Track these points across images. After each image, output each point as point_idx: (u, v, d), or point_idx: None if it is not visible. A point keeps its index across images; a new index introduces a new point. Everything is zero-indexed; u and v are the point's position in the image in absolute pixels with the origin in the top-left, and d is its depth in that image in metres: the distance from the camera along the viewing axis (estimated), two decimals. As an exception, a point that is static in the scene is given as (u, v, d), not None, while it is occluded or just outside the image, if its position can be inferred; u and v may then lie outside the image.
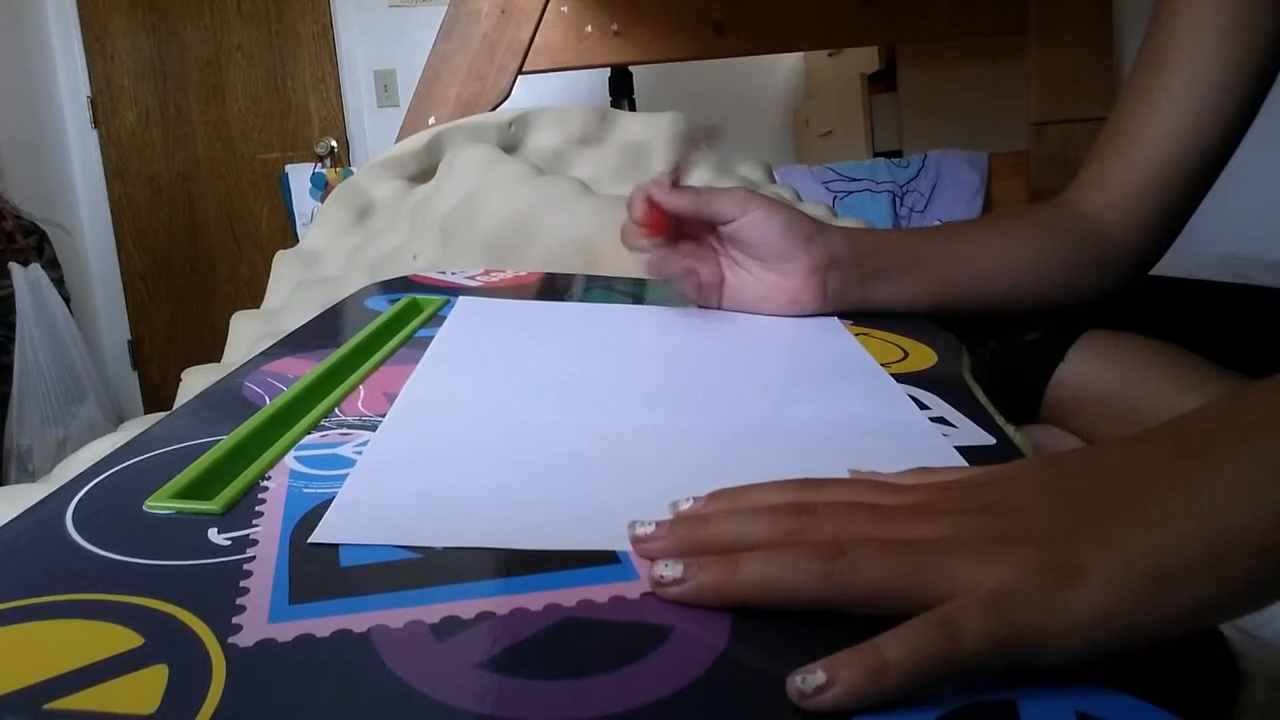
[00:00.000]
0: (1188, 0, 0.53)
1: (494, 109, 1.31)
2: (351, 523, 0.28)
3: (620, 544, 0.27)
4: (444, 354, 0.45)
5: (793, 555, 0.23)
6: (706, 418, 0.38)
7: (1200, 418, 0.24)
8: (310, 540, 0.27)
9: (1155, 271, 0.60)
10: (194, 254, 3.29)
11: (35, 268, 2.47)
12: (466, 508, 0.30)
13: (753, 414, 0.39)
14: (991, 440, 0.36)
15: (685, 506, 0.28)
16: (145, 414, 0.35)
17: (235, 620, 0.23)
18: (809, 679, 0.20)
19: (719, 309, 0.55)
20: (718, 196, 0.52)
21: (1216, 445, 0.23)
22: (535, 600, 0.24)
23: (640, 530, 0.26)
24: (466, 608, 0.24)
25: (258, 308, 0.90)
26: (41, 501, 0.29)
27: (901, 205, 2.28)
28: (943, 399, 0.40)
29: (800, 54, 3.13)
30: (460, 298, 0.55)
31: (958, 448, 0.35)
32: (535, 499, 0.30)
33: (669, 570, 0.24)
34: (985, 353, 0.48)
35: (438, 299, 0.54)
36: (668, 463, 0.34)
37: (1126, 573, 0.21)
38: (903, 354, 0.47)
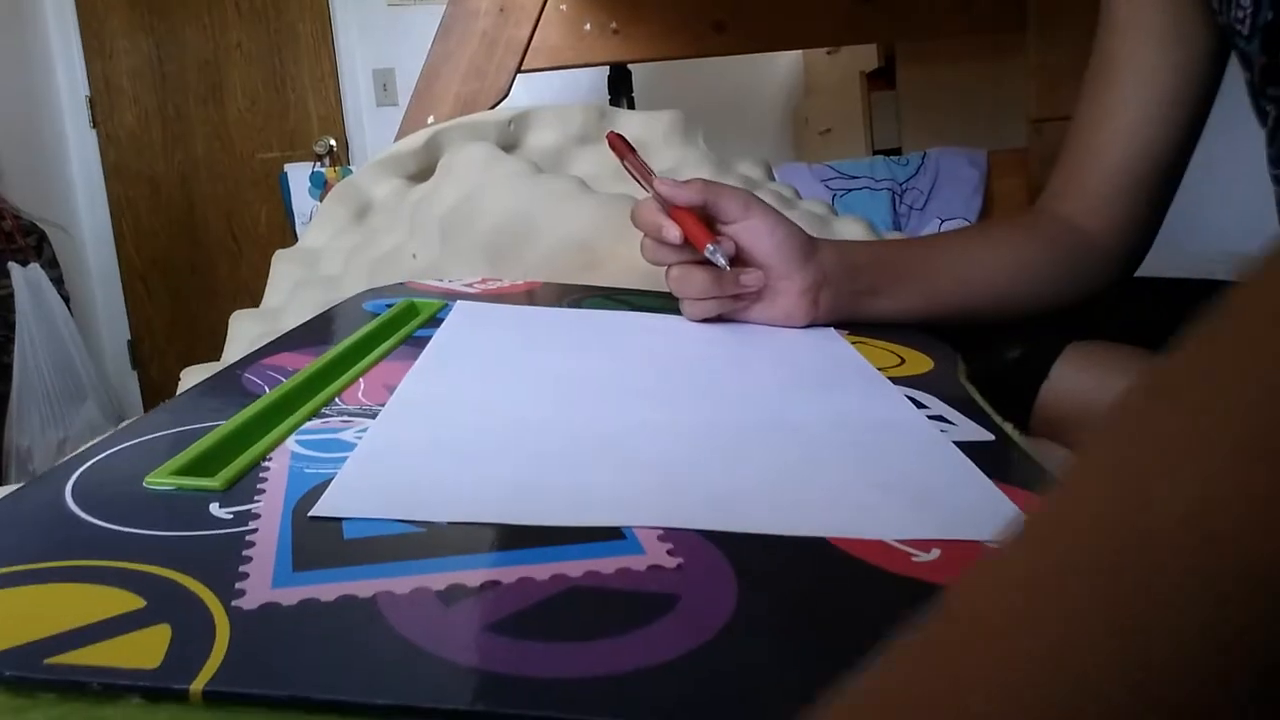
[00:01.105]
0: (1127, 10, 0.54)
1: (493, 107, 1.31)
2: (353, 498, 0.28)
3: (621, 520, 0.27)
4: (443, 351, 0.45)
5: None
6: (705, 413, 0.38)
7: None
8: (311, 514, 0.27)
9: (1151, 272, 0.60)
10: (193, 253, 3.29)
11: (35, 268, 2.47)
12: (468, 486, 0.30)
13: (752, 409, 0.39)
14: (990, 436, 0.36)
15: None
16: (145, 413, 0.35)
17: (238, 586, 0.23)
18: None
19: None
20: (724, 193, 0.52)
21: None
22: (541, 571, 0.24)
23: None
24: (472, 577, 0.24)
25: (257, 307, 0.90)
26: (40, 477, 0.29)
27: (901, 203, 2.28)
28: (940, 400, 0.40)
29: (799, 52, 3.12)
30: (458, 301, 0.55)
31: (957, 443, 0.35)
32: (536, 481, 0.31)
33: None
34: (969, 373, 0.49)
35: (435, 302, 0.54)
36: (667, 453, 0.34)
37: None
38: (899, 360, 0.47)
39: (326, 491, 0.28)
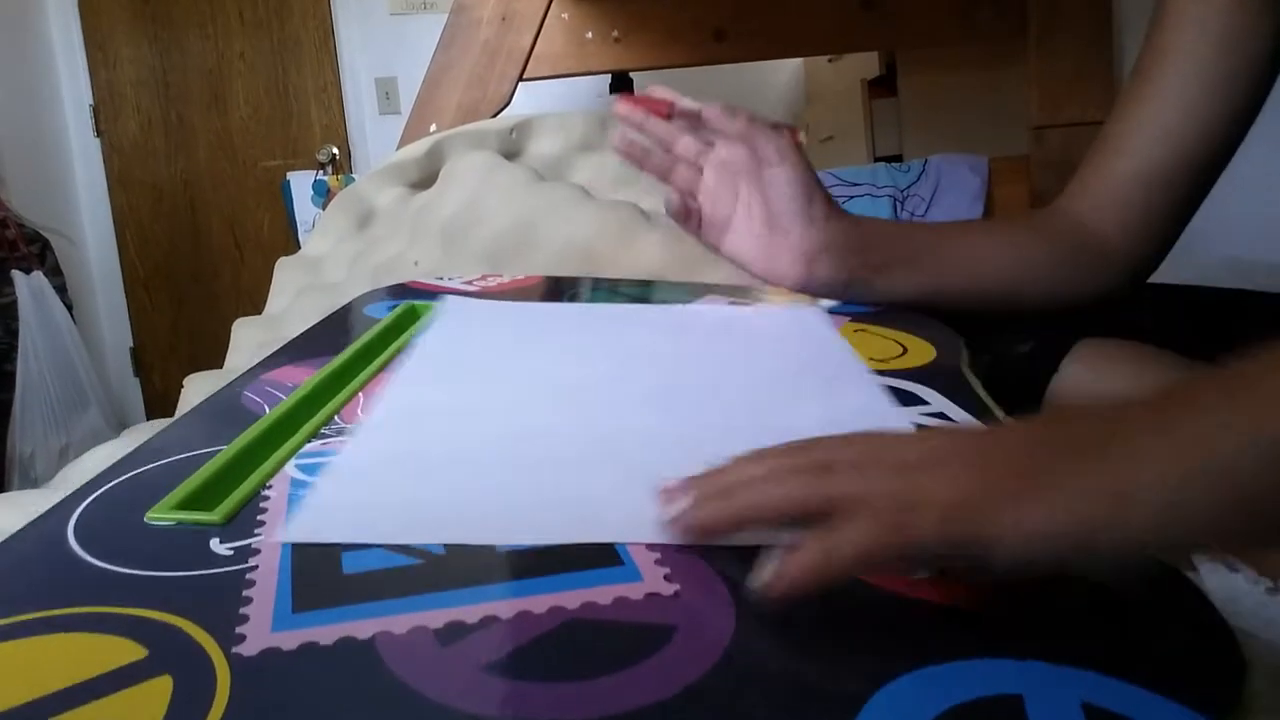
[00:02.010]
0: (1182, 10, 0.53)
1: (495, 115, 1.31)
2: (325, 520, 0.28)
3: (614, 536, 0.27)
4: (430, 355, 0.45)
5: (783, 473, 0.26)
6: (696, 418, 0.38)
7: (1184, 382, 0.25)
8: (281, 539, 0.26)
9: (1158, 277, 0.60)
10: (196, 261, 3.29)
11: (38, 275, 2.47)
12: (451, 504, 0.29)
13: (742, 413, 0.39)
14: None
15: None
16: (147, 420, 0.35)
17: (239, 630, 0.23)
18: (766, 570, 0.23)
19: (702, 305, 0.55)
20: (761, 136, 0.53)
21: (1199, 392, 0.24)
22: (539, 603, 0.24)
23: (671, 504, 0.28)
24: (470, 612, 0.24)
25: (260, 314, 0.90)
26: (43, 515, 0.29)
27: (902, 209, 2.28)
28: (941, 394, 0.40)
29: (800, 60, 3.13)
30: (447, 298, 0.54)
31: None
32: (523, 497, 0.30)
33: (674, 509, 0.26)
34: (979, 367, 0.49)
35: (435, 305, 0.54)
36: (660, 463, 0.33)
37: (1090, 489, 0.22)
38: (901, 350, 0.47)
39: (296, 513, 0.28)
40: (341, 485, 0.30)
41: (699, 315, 0.53)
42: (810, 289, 0.53)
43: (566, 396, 0.40)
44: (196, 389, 0.69)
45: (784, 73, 3.31)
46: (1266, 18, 0.51)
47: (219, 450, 0.33)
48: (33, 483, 2.33)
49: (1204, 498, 0.22)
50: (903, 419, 0.38)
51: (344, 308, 0.56)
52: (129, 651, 0.22)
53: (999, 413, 0.39)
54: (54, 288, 2.52)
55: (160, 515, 0.29)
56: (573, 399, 0.40)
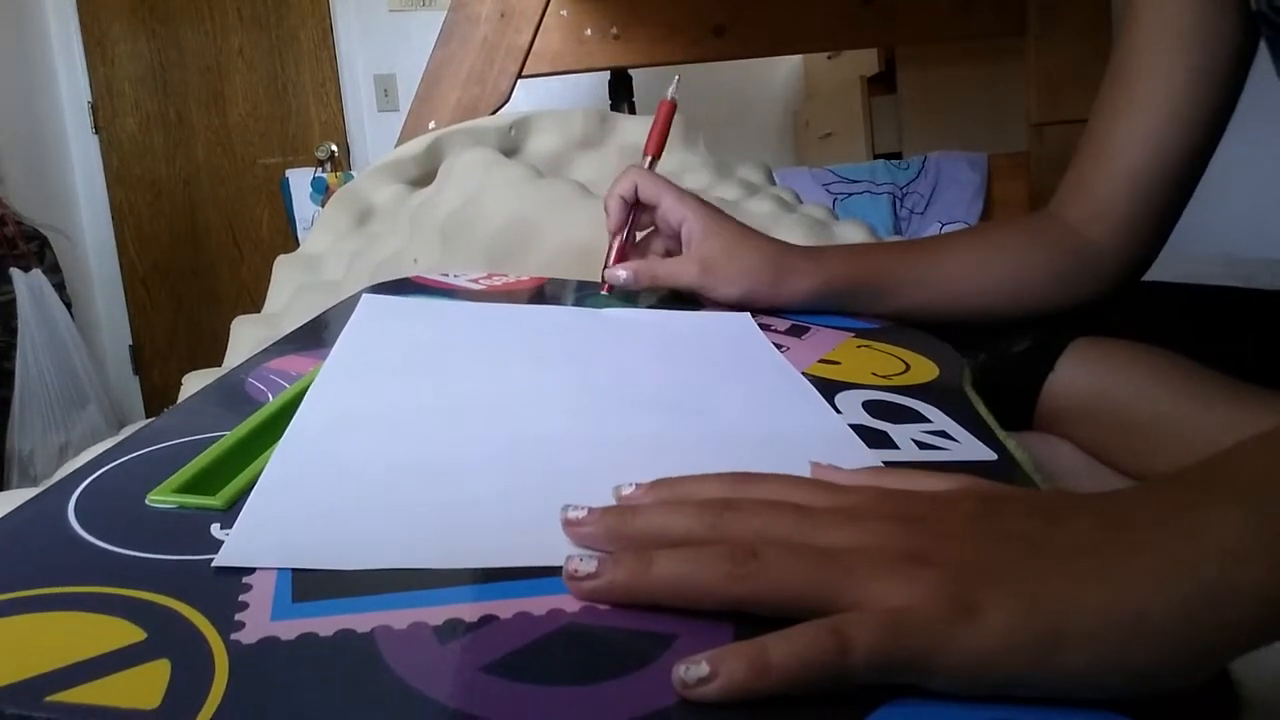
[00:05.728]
0: (1148, 10, 0.53)
1: (494, 112, 1.31)
2: (260, 544, 0.26)
3: (551, 559, 0.25)
4: (352, 355, 0.42)
5: (706, 554, 0.23)
6: (636, 427, 0.37)
7: (1137, 496, 0.24)
8: (213, 564, 0.25)
9: (1154, 275, 0.60)
10: (195, 259, 3.29)
11: (36, 273, 2.47)
12: (392, 525, 0.28)
13: (676, 421, 0.38)
14: (993, 455, 0.35)
15: (626, 492, 0.28)
16: (146, 418, 0.35)
17: (238, 617, 0.23)
18: (692, 669, 0.21)
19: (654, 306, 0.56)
20: (670, 272, 0.54)
21: (1142, 525, 0.23)
22: (539, 605, 0.24)
23: (573, 514, 0.26)
24: (470, 610, 0.23)
25: (259, 312, 0.90)
26: (43, 493, 0.29)
27: (902, 206, 2.29)
28: (944, 413, 0.40)
29: (799, 56, 3.13)
30: (364, 295, 0.53)
31: (959, 463, 0.34)
32: (467, 514, 0.29)
33: (584, 565, 0.24)
34: (975, 365, 0.49)
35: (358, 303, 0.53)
36: (605, 474, 0.30)
37: (1023, 623, 0.21)
38: (904, 366, 0.46)
39: (229, 537, 0.27)
40: (275, 502, 0.29)
41: (627, 319, 0.52)
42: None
43: (505, 404, 0.38)
44: (195, 387, 0.69)
45: (783, 69, 3.31)
46: (1226, 19, 0.52)
47: (222, 435, 0.33)
48: (32, 480, 2.33)
49: (1141, 654, 0.21)
50: (838, 423, 0.38)
51: (350, 299, 0.56)
52: (128, 633, 0.22)
53: (1000, 433, 0.38)
54: (52, 285, 2.52)
55: (161, 497, 0.29)
56: (500, 405, 0.38)
